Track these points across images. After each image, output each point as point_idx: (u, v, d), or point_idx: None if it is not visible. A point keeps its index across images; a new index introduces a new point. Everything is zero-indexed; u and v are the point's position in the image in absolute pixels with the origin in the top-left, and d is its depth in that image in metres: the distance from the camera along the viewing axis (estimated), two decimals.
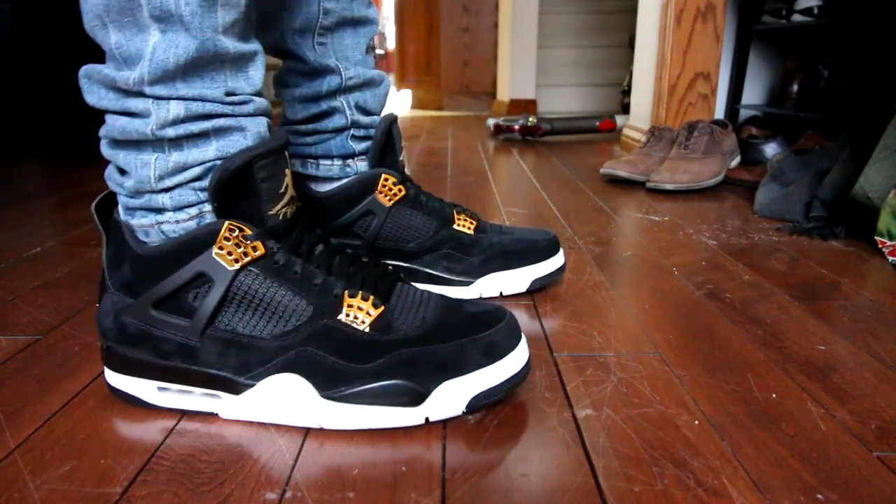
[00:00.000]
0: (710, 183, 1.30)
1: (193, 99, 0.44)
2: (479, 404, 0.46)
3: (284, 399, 0.46)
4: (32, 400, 0.50)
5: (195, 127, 0.45)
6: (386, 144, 0.69)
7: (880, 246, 0.87)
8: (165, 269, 0.45)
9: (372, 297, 0.48)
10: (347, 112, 0.68)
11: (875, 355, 0.57)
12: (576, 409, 0.48)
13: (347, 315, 0.46)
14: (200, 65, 0.44)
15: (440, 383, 0.46)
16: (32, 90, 2.17)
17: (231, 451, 0.43)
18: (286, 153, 0.48)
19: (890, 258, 0.85)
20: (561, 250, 0.74)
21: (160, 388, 0.48)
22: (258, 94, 0.48)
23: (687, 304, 0.70)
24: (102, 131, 0.47)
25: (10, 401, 0.50)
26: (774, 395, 0.50)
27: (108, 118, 0.46)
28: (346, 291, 0.47)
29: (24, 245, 0.94)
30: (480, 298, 0.70)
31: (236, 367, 0.46)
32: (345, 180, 0.69)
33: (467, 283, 0.70)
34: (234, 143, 0.46)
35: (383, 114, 0.71)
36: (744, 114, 1.83)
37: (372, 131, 0.69)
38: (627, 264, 0.84)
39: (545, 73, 3.37)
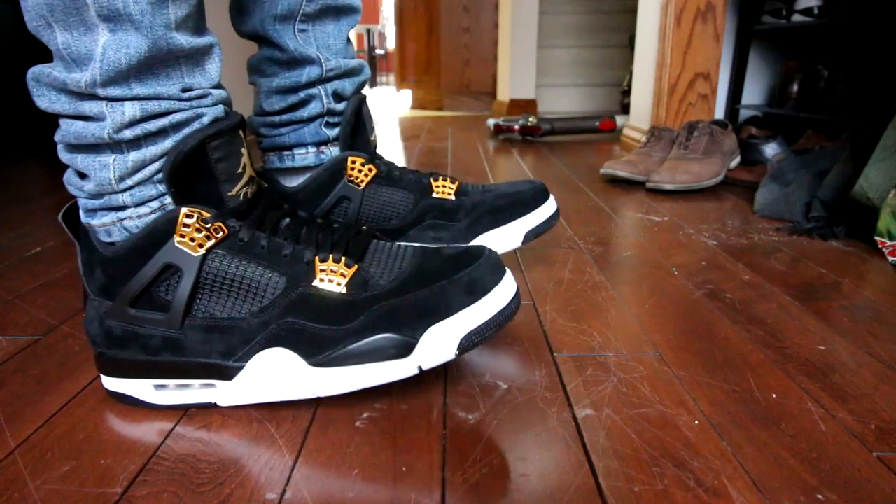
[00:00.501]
0: (710, 183, 1.30)
1: (149, 98, 0.43)
2: (471, 344, 0.45)
3: (275, 374, 0.46)
4: (32, 400, 0.50)
5: (152, 126, 0.44)
6: (356, 125, 0.67)
7: (880, 246, 0.87)
8: (133, 267, 0.45)
9: (343, 259, 0.47)
10: (324, 100, 0.66)
11: (875, 355, 0.57)
12: (576, 409, 0.48)
13: (321, 280, 0.46)
14: (154, 63, 0.43)
15: (426, 329, 0.44)
16: None
17: (231, 451, 0.43)
18: (241, 133, 0.48)
19: (890, 258, 0.85)
20: (551, 197, 0.70)
21: (157, 387, 0.48)
22: (217, 86, 0.48)
23: (687, 304, 0.70)
24: (57, 136, 0.45)
25: (10, 401, 0.50)
26: (774, 395, 0.50)
27: (63, 122, 0.45)
28: (317, 257, 0.47)
29: (24, 245, 0.94)
30: None
31: (223, 351, 0.46)
32: (311, 172, 0.67)
33: None
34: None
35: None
36: (744, 114, 1.83)
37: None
38: (627, 264, 0.84)
39: (545, 73, 3.37)
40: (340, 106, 0.67)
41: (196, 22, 0.46)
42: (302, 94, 0.66)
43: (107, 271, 0.46)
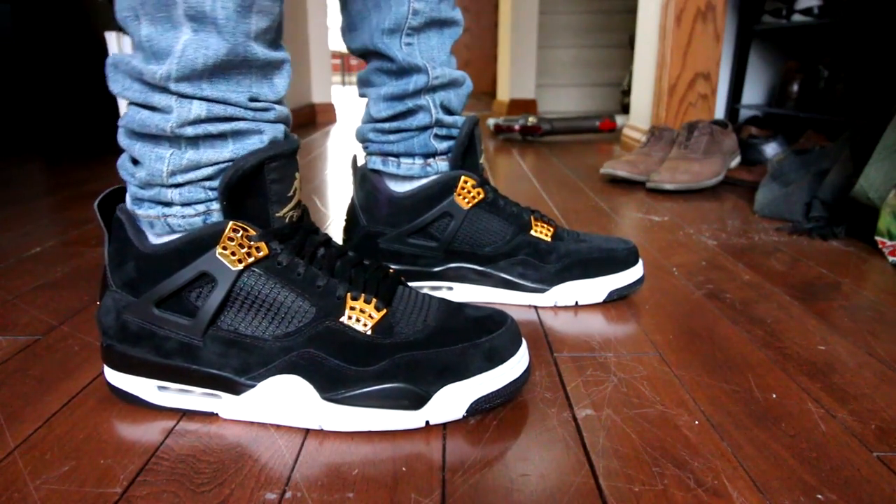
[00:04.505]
0: (710, 183, 1.30)
1: (216, 101, 0.44)
2: (480, 408, 0.46)
3: (285, 400, 0.46)
4: (32, 400, 0.50)
5: (214, 128, 0.45)
6: (468, 146, 0.69)
7: (880, 246, 0.87)
8: (169, 268, 0.45)
9: (374, 300, 0.48)
10: (433, 110, 0.67)
11: (875, 355, 0.57)
12: (576, 409, 0.48)
13: (350, 317, 0.46)
14: (228, 68, 0.44)
15: (441, 387, 0.46)
16: (32, 90, 2.17)
17: (231, 451, 0.43)
18: (296, 158, 0.49)
19: (890, 258, 0.85)
20: (640, 261, 0.72)
21: (160, 388, 0.48)
22: (279, 102, 0.49)
23: (687, 304, 0.70)
24: (122, 121, 0.46)
25: (10, 401, 0.50)
26: (774, 395, 0.50)
27: (130, 109, 0.46)
28: (349, 294, 0.47)
29: (24, 245, 0.94)
30: (555, 307, 0.69)
31: (237, 367, 0.46)
32: (424, 181, 0.68)
33: (542, 291, 0.69)
34: (249, 146, 0.46)
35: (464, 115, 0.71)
36: (744, 114, 1.83)
37: (454, 131, 0.69)
38: None
39: (545, 73, 3.37)
40: (449, 119, 0.69)
41: (274, 36, 0.47)
42: (410, 104, 0.67)
43: (139, 266, 0.46)
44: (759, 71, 1.83)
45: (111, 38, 2.00)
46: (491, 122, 2.25)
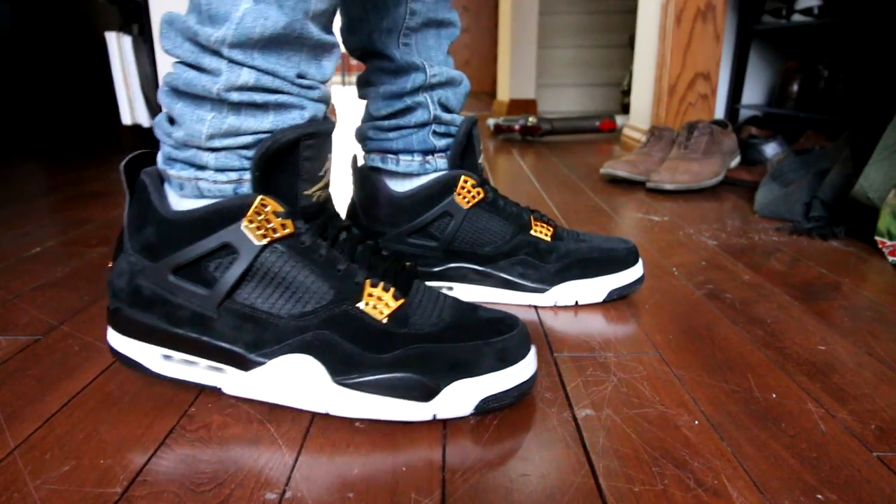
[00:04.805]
0: (710, 183, 1.30)
1: (265, 71, 0.45)
2: (487, 407, 0.46)
3: (295, 380, 0.46)
4: (32, 400, 0.50)
5: (259, 97, 0.45)
6: (467, 146, 0.69)
7: (880, 246, 0.87)
8: (192, 236, 0.45)
9: (393, 289, 0.48)
10: (431, 107, 0.68)
11: (875, 355, 0.57)
12: (576, 409, 0.48)
13: (367, 304, 0.47)
14: (282, 42, 0.45)
15: (451, 382, 0.46)
16: (32, 90, 2.17)
17: (231, 451, 0.43)
18: (331, 139, 0.50)
19: (890, 258, 0.85)
20: (640, 261, 0.72)
21: (165, 357, 0.48)
22: (324, 83, 0.50)
23: (687, 304, 0.70)
24: (167, 78, 0.47)
25: (10, 401, 0.50)
26: (774, 395, 0.50)
27: (177, 67, 0.46)
28: (368, 280, 0.48)
29: (24, 245, 0.94)
30: (555, 306, 0.70)
31: (250, 342, 0.46)
32: (424, 180, 0.68)
33: (542, 291, 0.69)
34: (289, 121, 0.47)
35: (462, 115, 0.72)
36: (744, 114, 1.83)
37: (452, 128, 0.69)
38: None
39: (545, 73, 3.37)
40: (447, 116, 0.69)
41: (328, 19, 0.48)
42: (408, 101, 0.68)
43: (161, 231, 0.46)
44: (759, 71, 1.83)
45: (111, 38, 2.00)
46: (491, 122, 2.25)
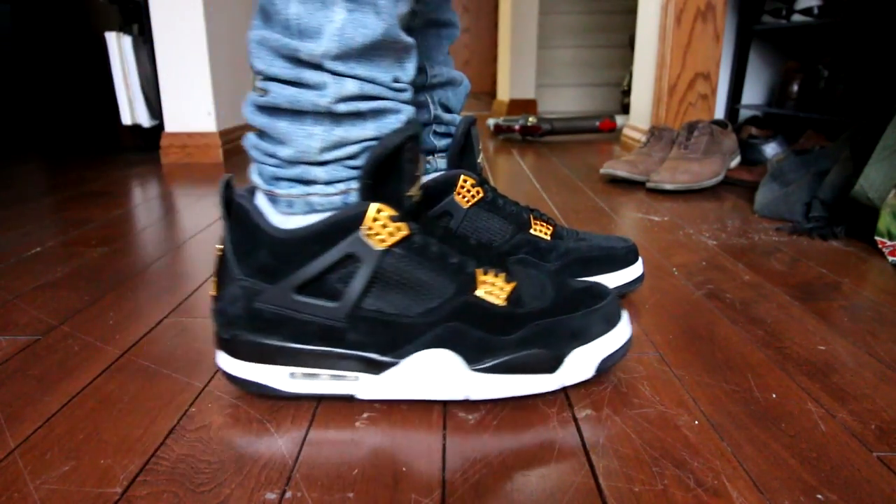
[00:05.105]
0: (710, 183, 1.30)
1: (366, 80, 0.45)
2: (605, 367, 0.50)
3: (432, 374, 0.47)
4: (32, 400, 0.50)
5: (364, 106, 0.45)
6: (465, 145, 0.69)
7: (880, 246, 0.87)
8: (311, 251, 0.45)
9: (503, 274, 0.50)
10: (431, 107, 0.68)
11: (875, 355, 0.57)
12: (576, 409, 0.48)
13: (484, 290, 0.48)
14: (379, 48, 0.45)
15: (572, 350, 0.49)
16: (32, 90, 2.17)
17: (231, 452, 0.43)
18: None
19: (890, 258, 0.85)
20: (640, 259, 0.72)
21: (292, 375, 0.48)
22: (410, 84, 0.50)
23: (687, 304, 0.70)
24: (258, 99, 0.46)
25: (10, 401, 0.50)
26: (774, 395, 0.50)
27: (273, 87, 0.45)
28: (479, 269, 0.49)
29: (24, 245, 0.94)
30: None
31: (382, 345, 0.47)
32: (424, 179, 0.69)
33: None
34: (389, 126, 0.47)
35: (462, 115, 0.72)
36: (744, 114, 1.83)
37: (452, 129, 0.70)
38: None
39: (545, 73, 3.37)
40: (447, 116, 0.70)
41: (410, 21, 0.48)
42: None
43: (276, 252, 0.46)
44: (759, 71, 1.83)
45: (111, 38, 2.00)
46: (491, 122, 2.25)
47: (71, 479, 0.40)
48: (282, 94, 0.45)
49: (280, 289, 0.46)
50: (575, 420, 0.47)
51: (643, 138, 1.60)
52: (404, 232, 0.46)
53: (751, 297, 0.72)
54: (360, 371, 0.48)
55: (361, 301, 0.46)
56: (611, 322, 0.51)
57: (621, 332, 0.51)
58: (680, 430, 0.45)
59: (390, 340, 0.47)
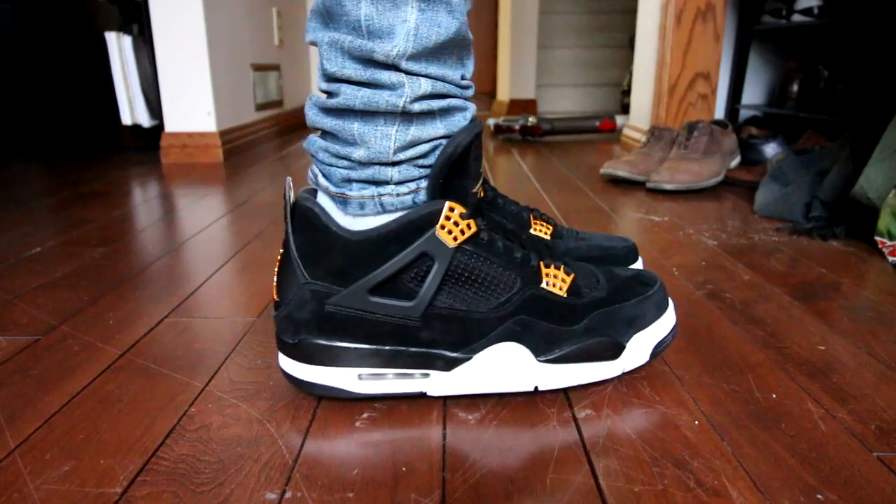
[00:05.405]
0: (710, 183, 1.30)
1: (438, 78, 0.45)
2: (657, 352, 0.52)
3: (503, 367, 0.48)
4: (32, 400, 0.50)
5: (436, 104, 0.45)
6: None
7: (880, 246, 0.87)
8: (386, 252, 0.45)
9: (563, 266, 0.51)
10: None
11: (875, 355, 0.57)
12: (576, 409, 0.48)
13: (547, 283, 0.49)
14: (450, 46, 0.45)
15: (632, 336, 0.51)
16: (33, 90, 2.17)
17: (231, 451, 0.43)
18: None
19: (890, 258, 0.85)
20: (640, 259, 0.72)
21: (360, 376, 0.48)
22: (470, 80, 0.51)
23: (687, 304, 0.70)
24: (328, 102, 0.46)
25: (10, 401, 0.50)
26: (774, 395, 0.50)
27: (345, 88, 0.45)
28: (542, 262, 0.50)
29: (24, 245, 0.94)
30: None
31: (455, 342, 0.48)
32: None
33: None
34: (456, 123, 0.47)
35: None
36: (744, 114, 1.83)
37: None
38: None
39: (545, 73, 3.37)
40: None
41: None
42: None
43: (350, 254, 0.46)
44: (759, 71, 1.83)
45: (111, 38, 2.00)
46: (491, 122, 2.25)
47: (71, 479, 0.40)
48: (356, 96, 0.44)
49: (354, 291, 0.46)
50: (575, 420, 0.47)
51: (643, 138, 1.60)
52: (473, 229, 0.46)
53: (751, 297, 0.72)
54: (431, 368, 0.48)
55: (435, 299, 0.47)
56: (661, 308, 0.52)
57: (669, 317, 0.53)
58: (680, 430, 0.45)
59: (462, 336, 0.48)
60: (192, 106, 1.77)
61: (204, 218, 1.11)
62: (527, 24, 3.19)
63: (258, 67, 2.15)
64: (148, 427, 0.46)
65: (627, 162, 1.39)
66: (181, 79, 1.75)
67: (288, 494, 0.39)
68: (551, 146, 2.06)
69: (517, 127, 2.15)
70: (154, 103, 1.85)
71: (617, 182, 1.42)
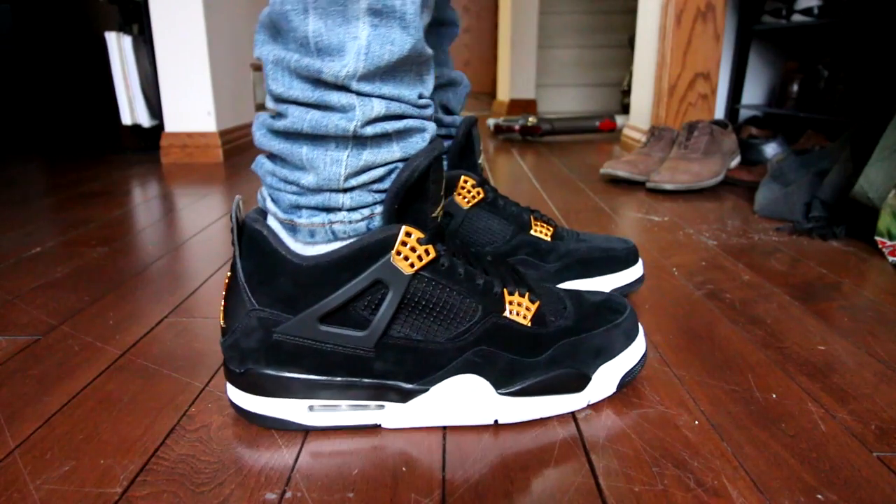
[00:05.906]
0: (710, 183, 1.30)
1: (392, 99, 0.42)
2: (624, 382, 0.50)
3: (459, 400, 0.46)
4: (32, 400, 0.50)
5: (390, 127, 0.42)
6: (465, 146, 0.69)
7: (880, 246, 0.87)
8: (337, 279, 0.43)
9: (528, 293, 0.48)
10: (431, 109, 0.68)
11: (875, 355, 0.57)
12: (576, 409, 0.48)
13: (510, 311, 0.47)
14: (405, 64, 0.42)
15: (598, 367, 0.49)
16: (32, 90, 2.17)
17: (231, 452, 0.43)
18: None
19: (890, 258, 0.85)
20: (640, 260, 0.72)
21: (311, 408, 0.46)
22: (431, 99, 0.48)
23: (687, 304, 0.70)
24: (276, 123, 0.43)
25: (10, 401, 0.50)
26: (774, 395, 0.50)
27: (293, 110, 0.42)
28: (505, 289, 0.47)
29: (24, 245, 0.94)
30: None
31: (411, 373, 0.45)
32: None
33: None
34: (414, 145, 0.44)
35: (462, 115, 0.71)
36: (744, 114, 1.83)
37: (453, 130, 0.69)
38: None
39: (545, 73, 3.37)
40: (448, 118, 0.69)
41: (427, 30, 0.46)
42: None
43: (299, 282, 0.43)
44: (759, 71, 1.83)
45: (111, 38, 2.00)
46: (491, 122, 2.25)
47: (71, 479, 0.40)
48: (303, 119, 0.41)
49: (303, 319, 0.43)
50: (575, 420, 0.47)
51: (643, 138, 1.60)
52: (432, 255, 0.44)
53: (751, 297, 0.72)
54: (386, 400, 0.46)
55: (389, 328, 0.44)
56: (630, 336, 0.50)
57: (639, 346, 0.51)
58: (680, 430, 0.45)
59: (419, 368, 0.45)
60: (192, 106, 1.77)
61: (204, 218, 1.11)
62: (527, 24, 3.19)
63: (258, 67, 2.15)
64: (148, 427, 0.46)
65: (627, 162, 1.39)
66: (181, 79, 1.75)
67: (288, 494, 0.39)
68: (551, 146, 2.06)
69: (517, 127, 2.15)
70: (154, 103, 1.85)
71: (617, 182, 1.42)
